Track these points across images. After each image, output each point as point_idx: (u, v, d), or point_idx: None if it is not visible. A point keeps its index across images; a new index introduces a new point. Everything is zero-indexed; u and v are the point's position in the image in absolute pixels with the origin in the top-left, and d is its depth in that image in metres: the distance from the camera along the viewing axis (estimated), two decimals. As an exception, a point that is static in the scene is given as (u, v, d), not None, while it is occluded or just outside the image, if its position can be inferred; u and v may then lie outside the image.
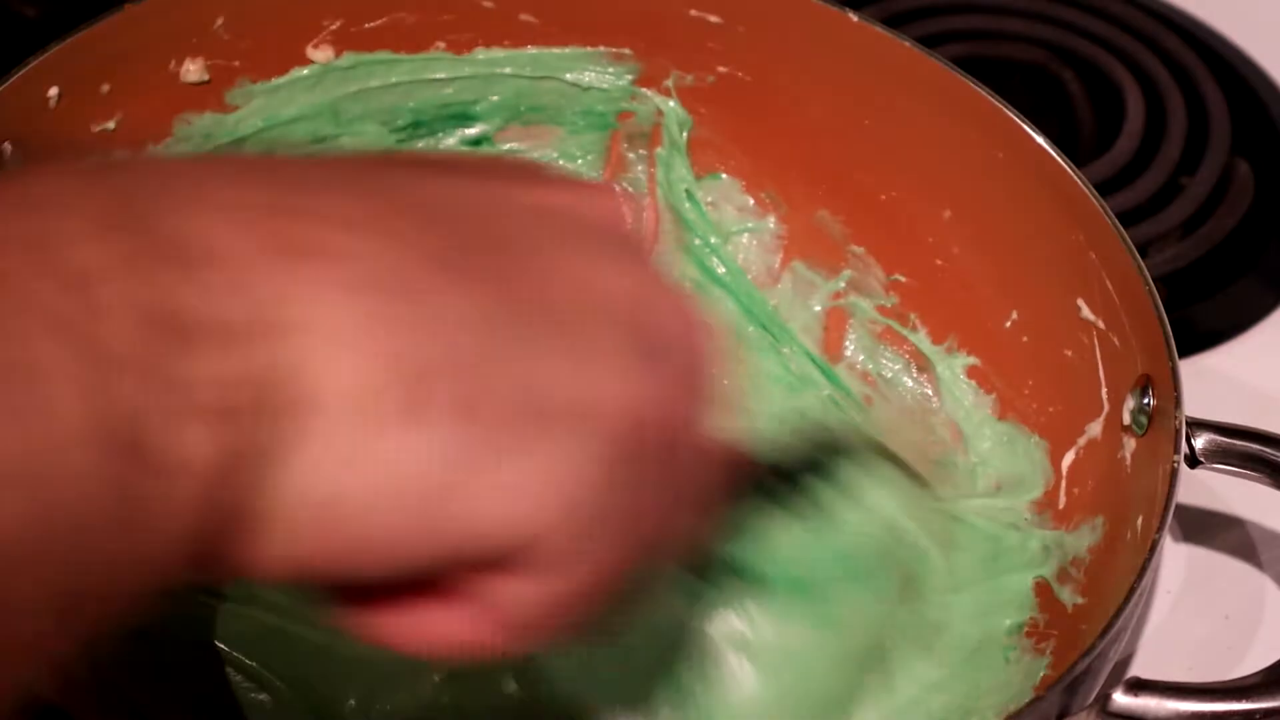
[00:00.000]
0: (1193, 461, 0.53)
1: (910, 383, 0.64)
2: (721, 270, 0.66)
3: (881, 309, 0.65)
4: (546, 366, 0.30)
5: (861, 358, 0.65)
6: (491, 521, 0.30)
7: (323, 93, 0.64)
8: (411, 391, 0.28)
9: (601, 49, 0.65)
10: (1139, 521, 0.52)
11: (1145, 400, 0.54)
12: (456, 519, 0.29)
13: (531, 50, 0.66)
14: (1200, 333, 0.70)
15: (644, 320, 0.33)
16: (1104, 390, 0.57)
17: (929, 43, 0.63)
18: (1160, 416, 0.53)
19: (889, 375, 0.64)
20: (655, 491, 0.33)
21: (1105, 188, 0.69)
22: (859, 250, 0.65)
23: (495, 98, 0.66)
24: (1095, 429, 0.58)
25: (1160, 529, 0.50)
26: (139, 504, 0.26)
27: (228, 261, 0.28)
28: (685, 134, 0.66)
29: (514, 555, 0.31)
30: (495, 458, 0.29)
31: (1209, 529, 0.63)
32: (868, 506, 0.55)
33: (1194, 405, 0.53)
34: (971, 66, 0.62)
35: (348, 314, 0.28)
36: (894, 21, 0.71)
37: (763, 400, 0.64)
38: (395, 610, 0.32)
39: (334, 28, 0.64)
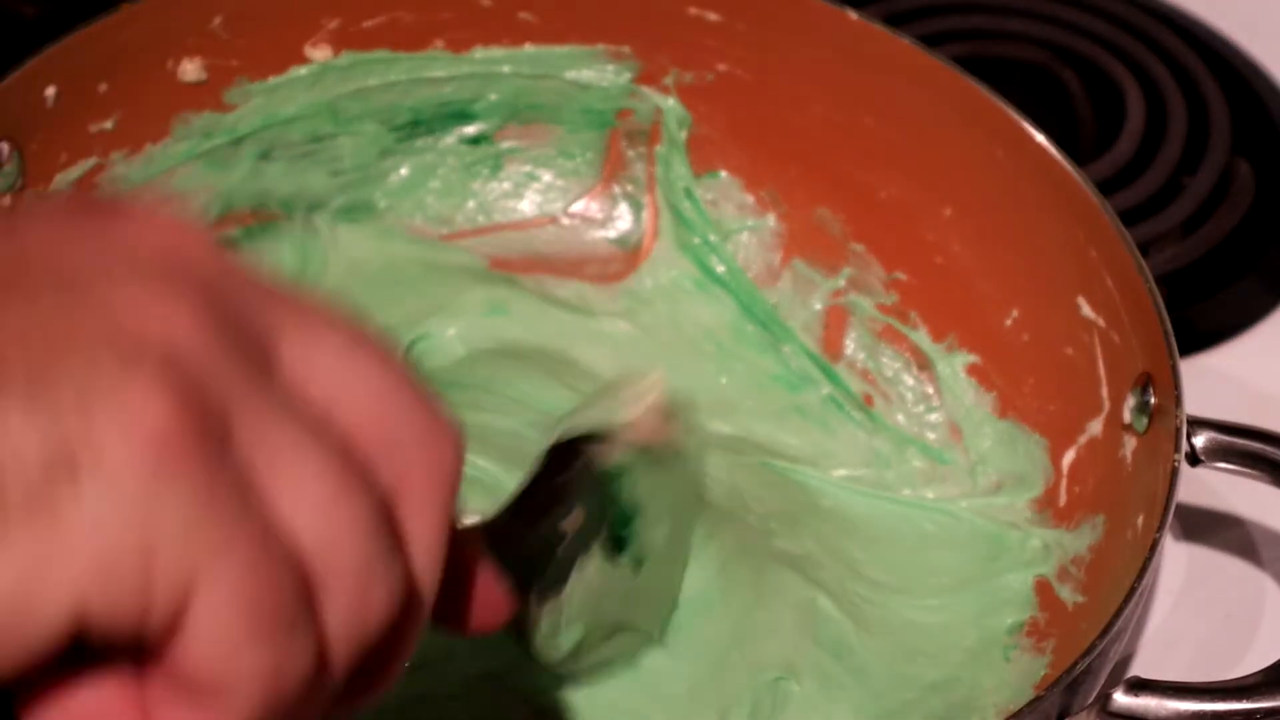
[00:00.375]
0: (1193, 460, 0.53)
1: (910, 381, 0.64)
2: (721, 269, 0.66)
3: (881, 307, 0.65)
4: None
5: (862, 356, 0.64)
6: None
7: (321, 92, 0.64)
8: None
9: (600, 47, 0.65)
10: (1139, 520, 0.52)
11: (1146, 398, 0.54)
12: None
13: (530, 48, 0.65)
14: (1200, 332, 0.70)
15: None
16: (1104, 388, 0.57)
17: (929, 42, 0.63)
18: (1161, 415, 0.53)
19: (889, 374, 0.64)
20: None
21: (1106, 187, 0.69)
22: (859, 248, 0.65)
23: (494, 96, 0.66)
24: (1096, 427, 0.57)
25: (1161, 527, 0.50)
26: None
27: None
28: (684, 132, 0.66)
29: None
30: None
31: (1210, 528, 0.63)
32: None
33: (1194, 405, 0.53)
34: (972, 66, 0.62)
35: None
36: (895, 21, 0.71)
37: (763, 399, 0.63)
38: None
39: (332, 26, 0.64)
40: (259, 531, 0.28)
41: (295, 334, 0.30)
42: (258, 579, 0.28)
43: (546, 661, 0.47)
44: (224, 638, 0.28)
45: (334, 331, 0.31)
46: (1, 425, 0.27)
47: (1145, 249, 0.70)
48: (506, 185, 0.68)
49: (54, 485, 0.27)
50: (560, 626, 0.47)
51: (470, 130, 0.67)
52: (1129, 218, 0.68)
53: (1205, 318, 0.71)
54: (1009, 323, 0.62)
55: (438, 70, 0.65)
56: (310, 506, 0.29)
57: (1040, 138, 0.59)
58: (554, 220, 0.67)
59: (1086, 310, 0.58)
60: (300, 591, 0.29)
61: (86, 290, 0.28)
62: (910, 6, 0.81)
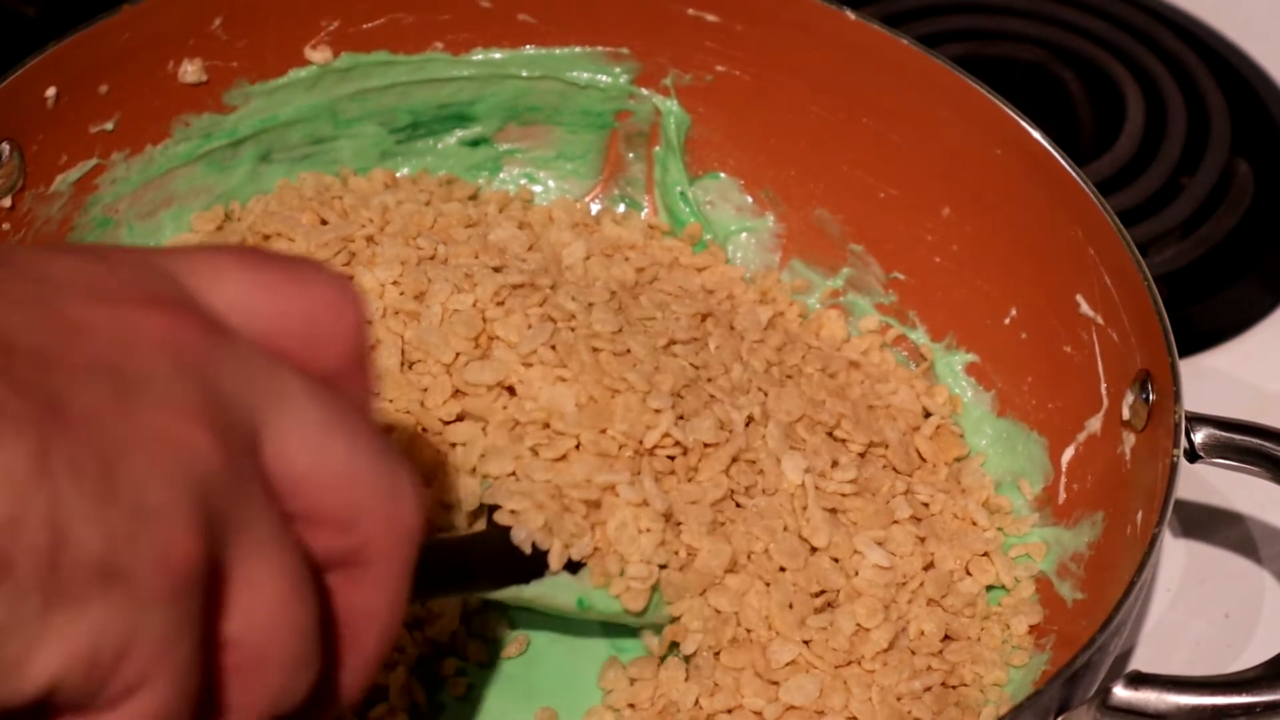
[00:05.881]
0: (1192, 456, 0.53)
1: (910, 379, 0.64)
2: (720, 269, 0.66)
3: (880, 306, 0.65)
4: (80, 524, 0.31)
5: (861, 355, 0.65)
6: (12, 676, 0.31)
7: (321, 93, 0.64)
8: None
9: (599, 48, 0.65)
10: (1139, 516, 0.52)
11: (1145, 395, 0.54)
12: None
13: (529, 50, 0.65)
14: (1200, 332, 0.70)
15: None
16: (1103, 385, 0.57)
17: (929, 42, 0.63)
18: (1159, 411, 0.53)
19: (889, 373, 0.64)
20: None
21: (1105, 187, 0.69)
22: (858, 248, 0.65)
23: (493, 98, 0.66)
24: (1094, 424, 0.57)
25: (1160, 523, 0.50)
26: None
27: None
28: (684, 133, 0.66)
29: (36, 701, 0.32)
30: (25, 615, 0.31)
31: (1209, 525, 0.63)
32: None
33: (1194, 404, 0.53)
34: (971, 66, 0.62)
35: None
36: (894, 21, 0.71)
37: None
38: None
39: (332, 28, 0.64)
40: (201, 645, 0.33)
41: (275, 419, 0.35)
42: (190, 679, 0.33)
43: None
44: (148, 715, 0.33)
45: (309, 410, 0.35)
46: (80, 514, 0.31)
47: (1145, 249, 0.70)
48: (506, 187, 0.68)
49: (96, 583, 0.31)
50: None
51: (469, 132, 0.67)
52: (1129, 218, 0.68)
53: (1205, 318, 0.71)
54: (1007, 321, 0.62)
55: (437, 72, 0.65)
56: (265, 599, 0.34)
57: (1037, 135, 0.59)
58: (553, 221, 0.67)
59: (1085, 308, 0.58)
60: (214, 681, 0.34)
61: (136, 393, 0.33)
62: (910, 6, 0.81)
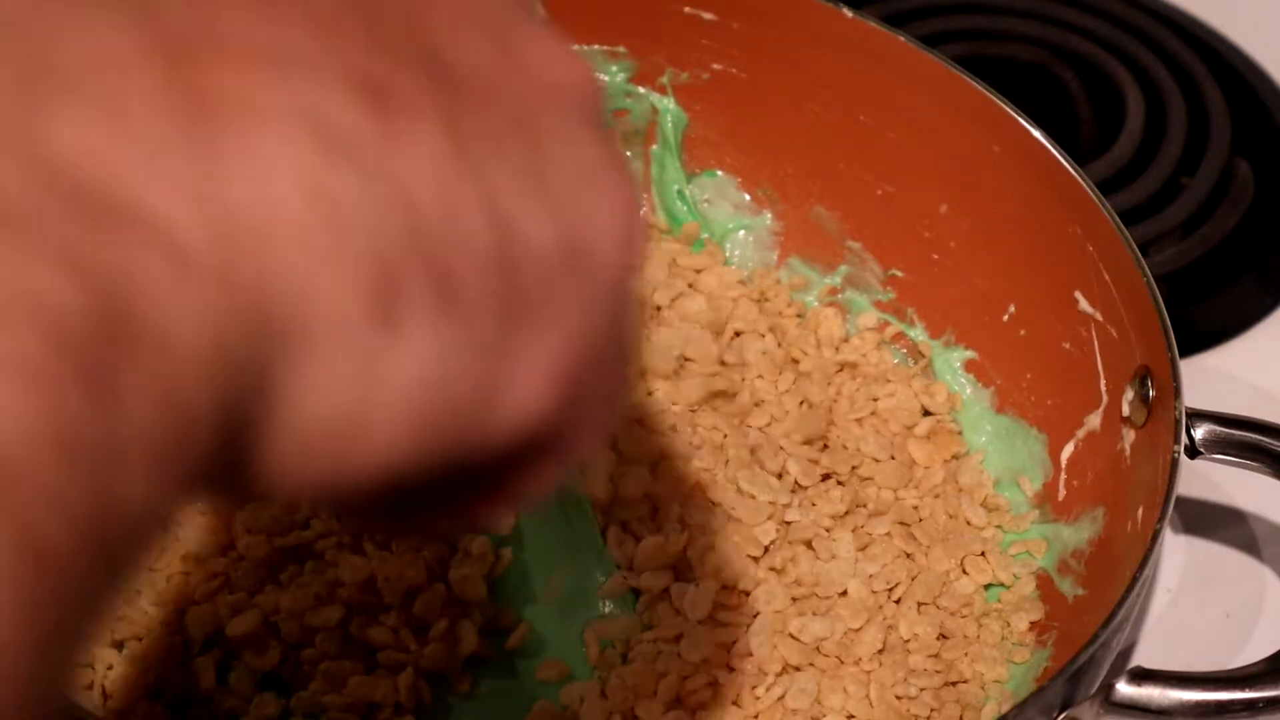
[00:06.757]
0: (1192, 452, 0.53)
1: (908, 377, 0.64)
2: (718, 268, 0.66)
3: (879, 304, 0.64)
4: (525, 219, 0.27)
5: (859, 353, 0.64)
6: (491, 411, 0.27)
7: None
8: (385, 289, 0.25)
9: (596, 47, 0.65)
10: (1139, 512, 0.52)
11: (1144, 391, 0.54)
12: (463, 423, 0.26)
13: (526, 48, 0.65)
14: (1200, 332, 0.70)
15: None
16: (1103, 382, 0.57)
17: (929, 42, 0.63)
18: (1160, 407, 0.53)
19: (887, 370, 0.64)
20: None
21: (1105, 187, 0.69)
22: (856, 245, 0.65)
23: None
24: (1094, 421, 0.57)
25: (1161, 519, 0.50)
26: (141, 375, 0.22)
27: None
28: (680, 131, 0.66)
29: (523, 439, 0.28)
30: (486, 342, 0.26)
31: (1210, 522, 0.62)
32: None
33: (1194, 404, 0.53)
34: (971, 66, 0.62)
35: (300, 198, 0.24)
36: (894, 21, 0.71)
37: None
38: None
39: (327, 27, 0.63)
40: None
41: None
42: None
43: None
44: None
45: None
46: (520, 200, 0.26)
47: (1145, 249, 0.70)
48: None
49: (556, 282, 0.27)
50: None
51: (466, 131, 0.67)
52: (1129, 218, 0.67)
53: (1205, 318, 0.71)
54: (1006, 318, 0.62)
55: (433, 71, 0.65)
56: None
57: (1036, 133, 0.59)
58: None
59: (1084, 304, 0.58)
60: None
61: (511, 37, 0.28)
62: (910, 6, 0.81)
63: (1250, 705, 0.47)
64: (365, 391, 0.25)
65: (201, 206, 0.23)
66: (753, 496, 0.57)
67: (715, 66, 0.65)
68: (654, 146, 0.67)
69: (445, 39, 0.27)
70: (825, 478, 0.58)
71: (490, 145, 0.26)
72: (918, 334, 0.64)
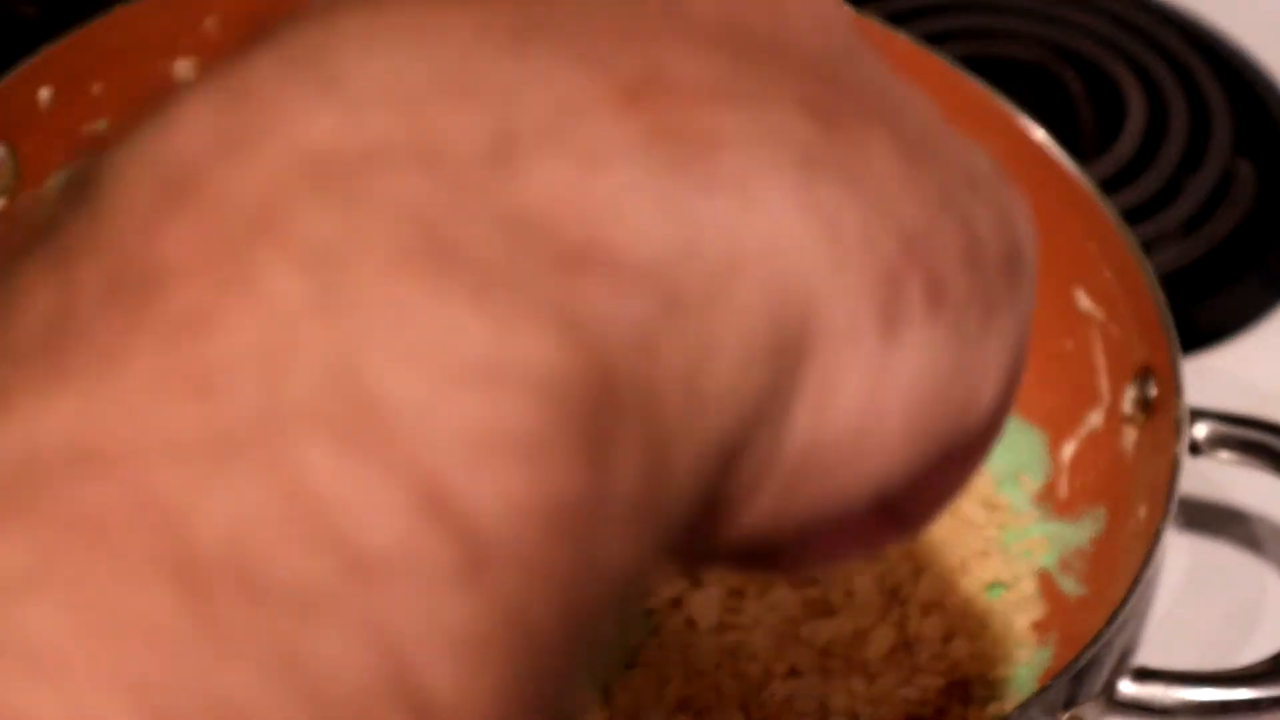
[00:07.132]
0: (1194, 450, 0.53)
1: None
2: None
3: (879, 303, 0.64)
4: (972, 210, 0.27)
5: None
6: (973, 411, 0.27)
7: (316, 93, 0.64)
8: (887, 294, 0.25)
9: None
10: (1142, 511, 0.52)
11: (1146, 389, 0.54)
12: (951, 426, 0.26)
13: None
14: (1201, 332, 0.70)
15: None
16: (1104, 380, 0.57)
17: (930, 41, 0.63)
18: (1161, 406, 0.53)
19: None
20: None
21: (1106, 187, 0.69)
22: (856, 245, 0.65)
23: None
24: (1096, 419, 0.57)
25: (1164, 517, 0.50)
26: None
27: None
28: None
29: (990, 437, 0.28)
30: (969, 341, 0.26)
31: (1212, 521, 0.62)
32: None
33: (1196, 403, 0.53)
34: (972, 65, 0.62)
35: (796, 212, 0.24)
36: (894, 20, 0.70)
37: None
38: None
39: (327, 28, 0.63)
40: None
41: None
42: None
43: None
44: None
45: None
46: (966, 194, 0.27)
47: (1147, 248, 0.69)
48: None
49: (1005, 271, 0.27)
50: None
51: (466, 132, 0.67)
52: (1130, 217, 0.67)
53: (1206, 317, 0.71)
54: (1007, 316, 0.61)
55: (434, 72, 0.65)
56: None
57: (1035, 130, 0.59)
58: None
59: (1085, 303, 0.58)
60: None
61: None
62: (911, 5, 0.81)
63: (1254, 704, 0.47)
64: (872, 404, 0.25)
65: (691, 238, 0.23)
66: None
67: (716, 66, 0.65)
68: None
69: (840, 67, 0.28)
70: None
71: (925, 146, 0.27)
72: (918, 333, 0.64)
